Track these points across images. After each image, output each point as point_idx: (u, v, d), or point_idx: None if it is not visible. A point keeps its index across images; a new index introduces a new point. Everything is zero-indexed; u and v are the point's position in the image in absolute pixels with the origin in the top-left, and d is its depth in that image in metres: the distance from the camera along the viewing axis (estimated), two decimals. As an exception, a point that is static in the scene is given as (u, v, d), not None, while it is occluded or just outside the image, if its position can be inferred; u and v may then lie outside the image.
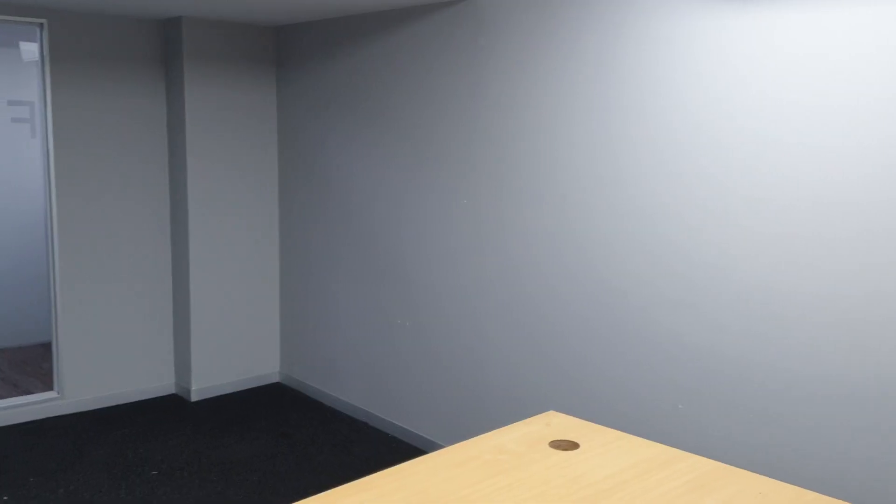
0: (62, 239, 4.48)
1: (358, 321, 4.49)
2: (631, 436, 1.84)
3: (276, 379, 5.20)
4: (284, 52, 4.88)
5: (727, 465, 1.69)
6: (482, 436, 1.83)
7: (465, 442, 1.79)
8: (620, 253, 3.15)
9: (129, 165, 4.67)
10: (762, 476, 1.64)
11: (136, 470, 3.80)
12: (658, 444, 1.80)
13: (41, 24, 4.31)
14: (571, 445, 1.78)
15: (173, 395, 4.93)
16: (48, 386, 4.76)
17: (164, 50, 4.72)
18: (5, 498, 3.49)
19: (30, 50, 5.11)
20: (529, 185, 3.47)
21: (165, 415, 4.58)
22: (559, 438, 1.82)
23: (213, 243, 4.81)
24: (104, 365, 4.70)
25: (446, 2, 3.75)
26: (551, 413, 1.98)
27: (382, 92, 4.17)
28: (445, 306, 3.93)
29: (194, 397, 4.83)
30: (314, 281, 4.80)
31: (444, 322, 3.95)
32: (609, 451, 1.75)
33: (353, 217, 4.45)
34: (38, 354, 5.62)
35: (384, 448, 4.13)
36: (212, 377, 4.90)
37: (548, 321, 3.46)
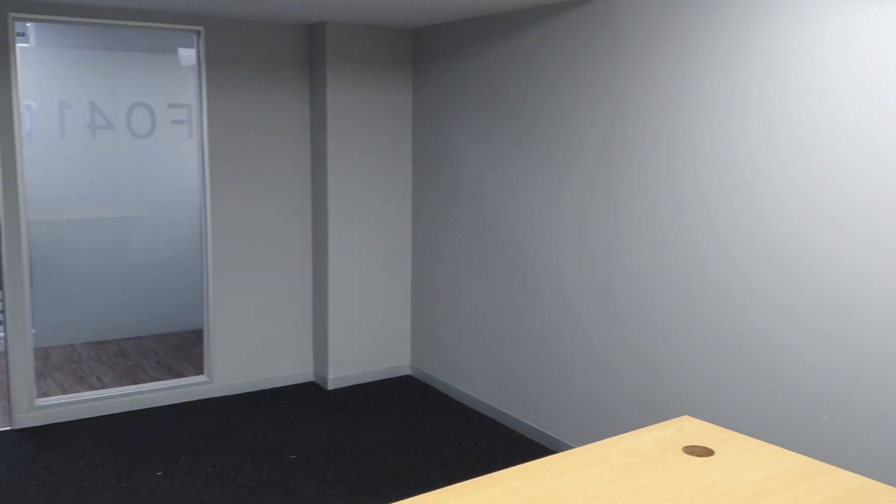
0: (215, 233, 4.76)
1: (487, 318, 4.54)
2: (770, 445, 1.79)
3: (406, 372, 5.34)
4: (421, 54, 5.00)
5: (876, 482, 1.62)
6: (613, 438, 1.83)
7: (595, 443, 1.80)
8: (761, 256, 3.05)
9: (274, 164, 4.91)
10: (913, 495, 1.56)
11: (276, 453, 4.00)
12: (799, 456, 1.74)
13: (198, 32, 4.60)
14: (706, 452, 1.75)
15: (311, 382, 5.15)
16: (199, 370, 5.08)
17: (309, 54, 4.93)
18: (160, 473, 3.76)
19: (187, 55, 5.45)
20: (665, 184, 3.40)
21: (303, 401, 4.79)
22: (693, 444, 1.79)
23: (350, 240, 4.98)
24: (249, 352, 4.97)
25: (582, 0, 3.73)
26: (685, 418, 1.95)
27: (516, 91, 4.20)
28: (576, 306, 3.92)
29: (330, 386, 5.03)
30: (445, 278, 4.89)
31: (574, 322, 3.94)
32: (746, 459, 1.71)
33: (485, 215, 4.50)
34: (190, 341, 5.99)
35: (512, 445, 4.16)
36: (347, 367, 5.08)
37: (683, 324, 3.39)
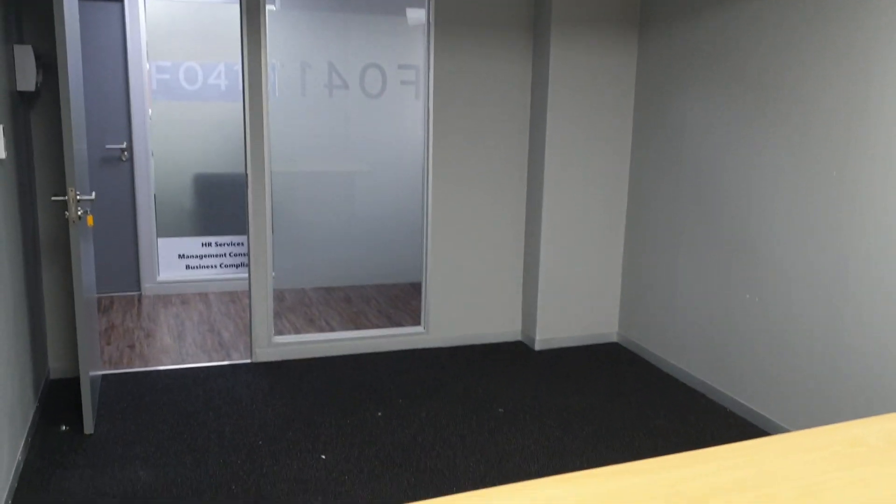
0: (435, 192, 4.97)
1: (702, 291, 4.40)
2: None
3: (613, 339, 5.31)
4: (648, 13, 4.85)
5: None
6: (836, 425, 1.74)
7: (816, 429, 1.72)
8: None
9: (493, 126, 5.01)
10: None
11: (484, 406, 4.16)
12: None
13: (428, -4, 4.76)
14: (944, 451, 1.62)
15: (519, 342, 5.27)
16: (416, 321, 5.35)
17: (534, 16, 4.95)
18: (379, 413, 4.04)
19: (415, 16, 5.64)
20: (916, 157, 3.10)
21: (512, 359, 4.92)
22: (929, 441, 1.66)
23: (565, 202, 5.00)
24: (462, 308, 5.16)
25: (832, -46, 3.45)
26: (922, 412, 1.81)
27: (749, 54, 3.98)
28: (799, 286, 3.70)
29: (538, 346, 5.11)
30: (659, 248, 4.78)
31: (795, 302, 3.72)
32: None
33: (706, 186, 4.34)
34: (408, 292, 6.32)
35: (721, 422, 4.04)
36: (554, 330, 5.14)
37: (925, 311, 3.10)
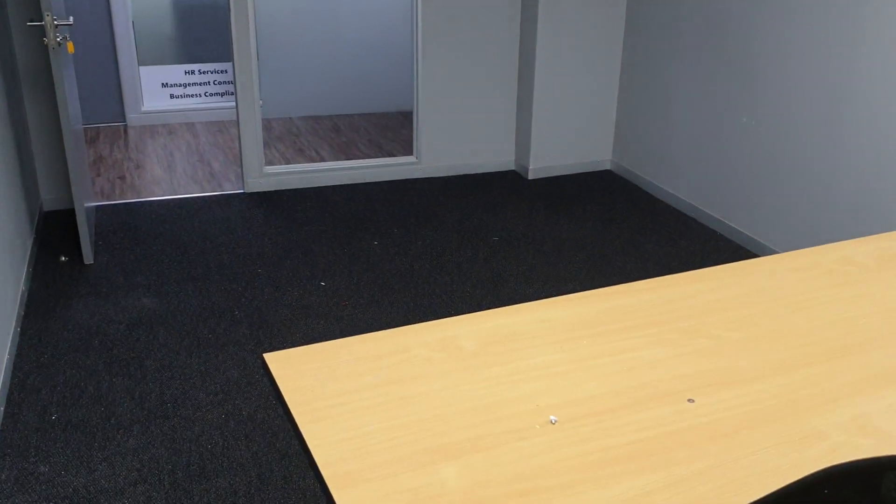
0: (425, 16, 4.78)
1: (697, 115, 4.36)
2: None
3: (607, 167, 5.31)
4: None
5: None
6: (828, 245, 1.78)
7: (808, 249, 1.76)
8: None
9: (487, -57, 4.76)
10: None
11: (479, 234, 4.22)
12: None
13: None
14: (933, 269, 1.66)
15: (512, 171, 5.27)
16: (407, 151, 5.32)
17: None
18: (376, 243, 4.10)
19: None
20: (928, -26, 2.98)
21: (505, 188, 4.94)
22: (919, 260, 1.70)
23: (558, 26, 4.84)
24: (455, 137, 5.12)
25: None
26: (913, 233, 1.84)
27: None
28: (797, 106, 3.66)
29: (531, 175, 5.12)
30: (656, 71, 4.68)
31: (792, 123, 3.70)
32: (978, 280, 1.62)
33: (706, 2, 4.18)
34: (398, 121, 6.24)
35: (711, 245, 4.12)
36: (548, 158, 5.13)
37: (921, 134, 3.09)
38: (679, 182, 4.60)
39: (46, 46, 3.49)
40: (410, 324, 1.43)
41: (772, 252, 3.92)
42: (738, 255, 3.99)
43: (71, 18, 3.50)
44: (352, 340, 1.32)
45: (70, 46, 3.54)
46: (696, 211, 4.46)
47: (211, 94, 6.29)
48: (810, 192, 3.66)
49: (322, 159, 5.31)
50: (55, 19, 3.36)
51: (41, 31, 3.68)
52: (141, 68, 6.03)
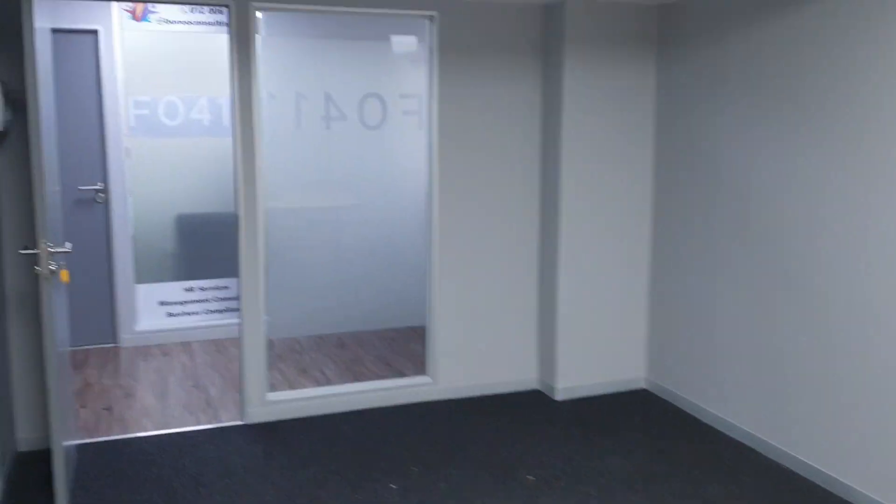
0: (441, 228, 4.55)
1: (746, 331, 3.99)
2: None
3: (641, 385, 4.88)
4: (667, 33, 4.50)
5: None
6: None
7: None
8: None
9: (503, 156, 4.61)
10: None
11: (511, 472, 3.71)
12: None
13: (431, 17, 4.37)
14: None
15: (536, 391, 4.83)
16: (416, 366, 4.90)
17: (543, 37, 4.58)
18: (393, 486, 3.56)
19: (402, 42, 5.25)
20: None
21: (532, 412, 4.48)
22: None
23: (583, 234, 4.60)
24: (472, 354, 4.72)
25: (891, -39, 3.10)
26: None
27: (793, 72, 3.61)
28: (864, 328, 3.30)
29: (559, 396, 4.68)
30: (692, 281, 4.38)
31: (861, 346, 3.32)
32: None
33: (747, 214, 3.94)
34: (404, 335, 5.86)
35: (782, 483, 3.60)
36: (576, 377, 4.71)
37: None
38: (731, 405, 4.15)
39: (38, 275, 3.16)
40: None
41: (859, 495, 3.40)
42: (816, 497, 3.47)
43: (69, 245, 3.20)
44: None
45: (64, 275, 3.21)
46: (755, 440, 3.97)
47: (210, 312, 5.96)
48: (893, 426, 3.22)
49: (327, 379, 4.88)
50: (50, 247, 3.05)
51: (34, 257, 3.37)
52: (138, 286, 5.73)
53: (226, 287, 5.96)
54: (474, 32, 4.44)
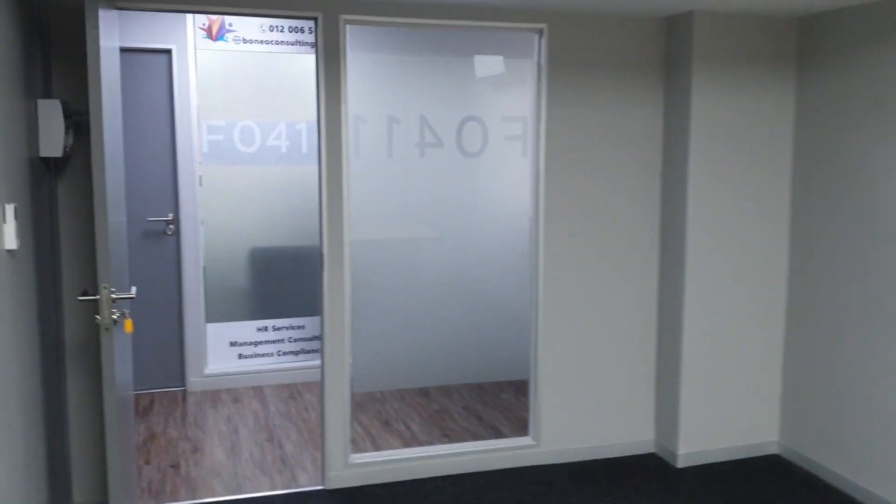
0: (547, 268, 4.01)
1: (920, 399, 3.34)
2: None
3: (773, 450, 4.23)
4: (809, 48, 3.91)
5: None
6: None
7: None
8: None
9: (619, 187, 4.06)
10: None
11: (641, 561, 3.12)
12: None
13: (540, 31, 3.87)
14: None
15: (652, 454, 4.23)
16: (509, 418, 4.35)
17: (667, 51, 4.04)
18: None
19: (487, 62, 4.76)
20: None
21: (650, 480, 3.88)
22: None
23: (710, 283, 4.00)
24: (581, 414, 4.15)
25: None
26: None
27: None
28: None
29: (681, 462, 4.06)
30: (835, 331, 3.74)
31: None
32: None
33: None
34: (495, 386, 5.31)
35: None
36: (701, 440, 4.10)
37: None
38: (884, 478, 3.49)
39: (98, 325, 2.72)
40: None
41: None
42: None
43: (134, 290, 2.76)
44: None
45: (128, 325, 2.76)
46: (927, 526, 3.32)
47: (284, 353, 5.50)
48: None
49: (413, 435, 4.36)
50: (114, 292, 2.61)
51: (94, 304, 2.95)
52: (208, 325, 5.31)
53: (301, 327, 5.50)
54: (588, 47, 3.92)
